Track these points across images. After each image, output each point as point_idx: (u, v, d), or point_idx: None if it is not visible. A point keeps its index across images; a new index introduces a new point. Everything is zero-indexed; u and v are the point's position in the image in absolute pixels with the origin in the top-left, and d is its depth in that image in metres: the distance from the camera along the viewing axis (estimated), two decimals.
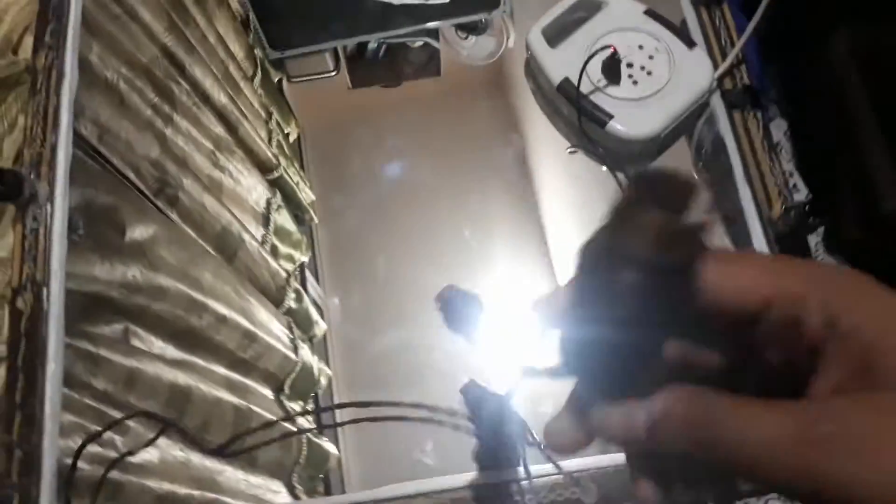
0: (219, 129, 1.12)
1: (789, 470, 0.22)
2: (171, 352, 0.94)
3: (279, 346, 1.17)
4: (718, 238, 0.75)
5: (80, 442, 0.72)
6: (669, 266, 0.25)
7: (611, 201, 0.26)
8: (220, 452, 0.62)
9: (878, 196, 0.65)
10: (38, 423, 0.64)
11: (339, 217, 1.42)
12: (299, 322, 1.30)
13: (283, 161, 1.31)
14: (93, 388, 0.76)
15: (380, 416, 0.61)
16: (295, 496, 1.15)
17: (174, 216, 0.97)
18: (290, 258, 1.35)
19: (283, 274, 1.25)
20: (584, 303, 0.27)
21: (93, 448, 0.74)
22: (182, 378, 0.90)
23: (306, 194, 1.43)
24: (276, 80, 1.39)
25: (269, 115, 1.34)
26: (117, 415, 0.79)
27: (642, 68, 0.79)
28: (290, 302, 1.27)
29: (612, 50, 0.76)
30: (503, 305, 1.02)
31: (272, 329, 1.17)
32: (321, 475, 1.27)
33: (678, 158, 0.82)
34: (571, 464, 0.64)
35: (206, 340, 1.00)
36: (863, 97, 0.67)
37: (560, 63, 0.80)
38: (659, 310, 0.25)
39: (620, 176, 0.78)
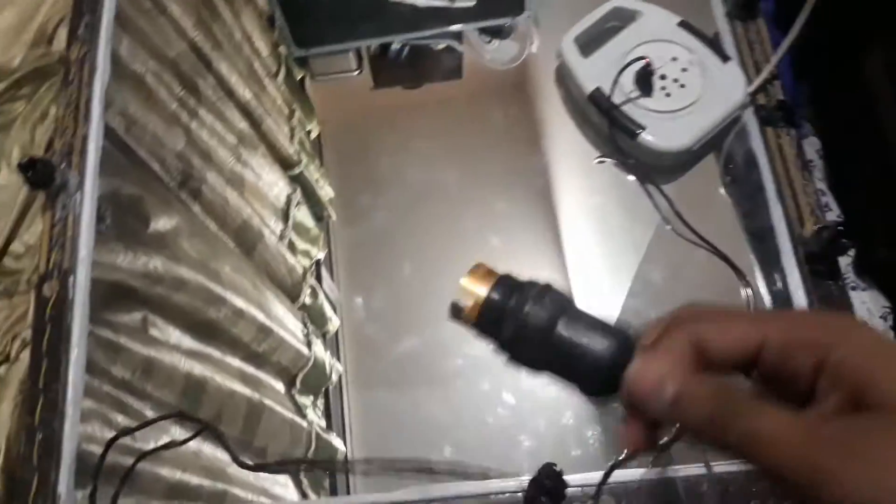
0: (242, 125, 1.12)
1: (795, 462, 0.25)
2: (188, 342, 0.94)
3: (293, 340, 1.17)
4: (745, 257, 0.74)
5: (97, 427, 0.71)
6: None
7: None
8: (254, 468, 0.62)
9: None
10: (59, 407, 0.64)
11: (357, 215, 1.42)
12: (313, 318, 1.30)
13: (304, 158, 1.31)
14: (111, 376, 0.76)
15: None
16: (302, 491, 1.15)
17: (197, 209, 0.96)
18: (307, 254, 1.34)
19: (300, 270, 1.24)
20: None
21: (109, 434, 0.74)
22: (198, 369, 0.90)
23: (325, 191, 1.42)
24: (298, 77, 1.39)
25: (292, 112, 1.33)
26: (135, 402, 0.79)
27: (675, 81, 0.78)
28: (306, 297, 1.26)
29: (645, 61, 0.75)
30: None
31: (287, 324, 1.17)
32: (328, 471, 1.27)
33: (706, 173, 0.81)
34: (587, 477, 0.64)
35: (222, 333, 1.00)
36: None
37: (592, 72, 0.79)
38: None
39: (651, 188, 0.77)
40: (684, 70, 0.78)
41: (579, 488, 0.63)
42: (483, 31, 1.28)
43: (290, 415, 1.12)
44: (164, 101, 0.88)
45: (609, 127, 0.77)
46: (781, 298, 0.68)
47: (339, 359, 1.43)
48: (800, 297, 0.66)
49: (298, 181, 1.32)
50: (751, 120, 0.73)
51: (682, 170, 0.81)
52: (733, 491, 0.60)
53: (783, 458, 0.25)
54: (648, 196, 0.78)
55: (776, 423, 0.26)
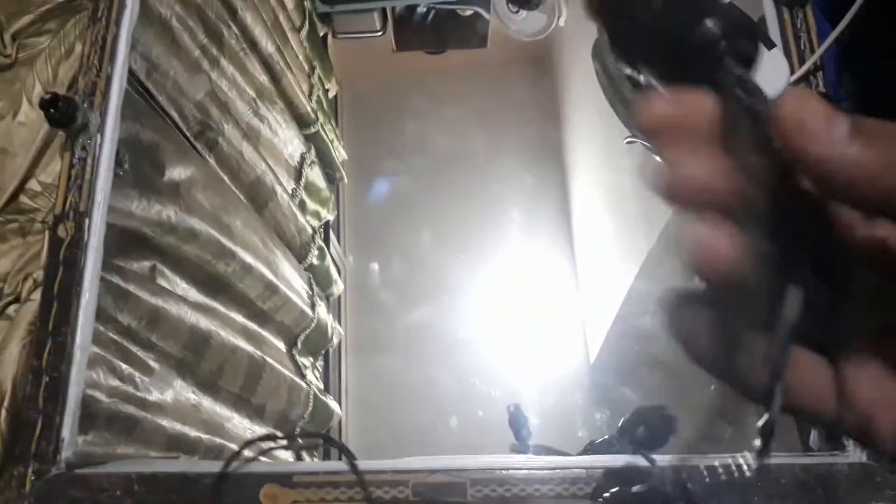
0: (263, 78, 1.10)
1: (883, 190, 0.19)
2: (195, 295, 0.94)
3: (298, 300, 1.17)
4: None
5: (101, 374, 0.71)
6: None
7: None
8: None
9: None
10: (67, 351, 0.63)
11: (370, 179, 1.41)
12: (319, 279, 1.29)
13: (321, 117, 1.29)
14: (118, 323, 0.76)
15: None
16: (298, 456, 1.15)
17: (211, 160, 0.95)
18: (317, 215, 1.34)
19: (309, 230, 1.24)
20: None
21: (113, 382, 0.74)
22: (203, 322, 0.90)
23: (339, 153, 1.41)
24: (321, 34, 1.36)
25: (313, 69, 1.32)
26: (139, 351, 0.79)
27: None
28: (313, 258, 1.26)
29: None
30: (528, 294, 1.01)
31: (293, 283, 1.17)
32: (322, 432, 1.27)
33: None
34: (591, 459, 0.63)
35: (229, 287, 0.99)
36: None
37: None
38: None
39: None
40: None
41: (583, 470, 0.63)
42: (511, 0, 1.26)
43: (289, 374, 1.12)
44: (187, 48, 0.86)
45: None
46: None
47: (340, 323, 1.43)
48: None
49: (314, 140, 1.31)
50: None
51: None
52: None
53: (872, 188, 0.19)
54: None
55: (868, 149, 0.19)
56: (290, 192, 1.20)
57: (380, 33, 1.35)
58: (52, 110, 0.59)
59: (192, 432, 0.87)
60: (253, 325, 1.09)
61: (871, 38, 0.68)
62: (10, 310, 0.65)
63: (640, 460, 0.62)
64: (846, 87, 0.72)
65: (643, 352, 0.80)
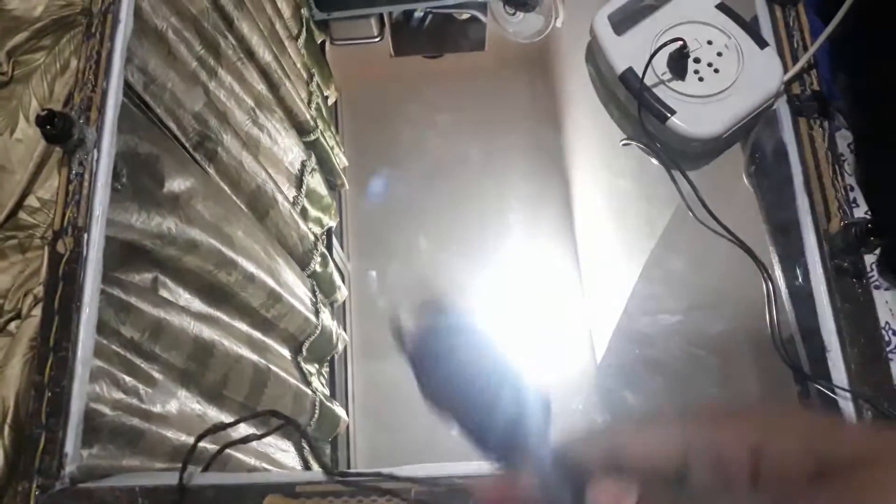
0: (261, 87, 1.11)
1: None
2: (198, 305, 0.94)
3: (301, 308, 1.17)
4: (765, 250, 0.73)
5: (105, 387, 0.72)
6: None
7: None
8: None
9: None
10: (69, 366, 0.64)
11: (370, 185, 1.41)
12: (322, 286, 1.30)
13: (320, 124, 1.30)
14: (121, 336, 0.76)
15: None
16: (303, 459, 1.16)
17: (211, 171, 0.96)
18: (319, 222, 1.34)
19: (311, 237, 1.24)
20: None
21: (116, 395, 0.74)
22: (206, 332, 0.90)
23: (340, 159, 1.41)
24: (319, 41, 1.37)
25: (311, 76, 1.32)
26: (142, 364, 0.80)
27: (709, 65, 0.76)
28: (316, 265, 1.26)
29: (680, 43, 0.74)
30: (529, 297, 1.01)
31: (296, 291, 1.17)
32: (330, 440, 1.27)
33: (730, 162, 0.80)
34: None
35: (232, 297, 1.00)
36: None
37: (625, 51, 0.78)
38: None
39: (675, 174, 0.76)
40: (719, 54, 0.76)
41: None
42: (508, 3, 1.26)
43: (295, 382, 1.12)
44: (183, 59, 0.87)
45: (638, 109, 0.76)
46: (803, 294, 0.68)
47: (345, 329, 1.43)
48: (822, 294, 0.65)
49: (314, 148, 1.31)
50: (784, 109, 0.72)
51: (708, 158, 0.80)
52: None
53: None
54: (673, 181, 0.76)
55: None
56: (291, 199, 1.20)
57: (377, 39, 1.35)
58: (48, 127, 0.59)
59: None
60: (257, 334, 1.09)
61: (865, 35, 0.68)
62: (12, 326, 0.66)
63: None
64: (840, 85, 0.72)
65: (643, 354, 0.80)
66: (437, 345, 0.33)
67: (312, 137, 1.29)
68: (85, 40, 0.66)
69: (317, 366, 1.27)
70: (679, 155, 0.78)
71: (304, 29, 1.29)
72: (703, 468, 0.27)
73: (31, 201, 0.68)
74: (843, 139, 0.69)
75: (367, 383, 1.23)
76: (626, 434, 0.29)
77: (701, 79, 0.75)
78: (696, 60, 0.76)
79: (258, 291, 1.03)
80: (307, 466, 1.14)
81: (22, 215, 0.68)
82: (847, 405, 0.61)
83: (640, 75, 0.75)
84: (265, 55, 1.10)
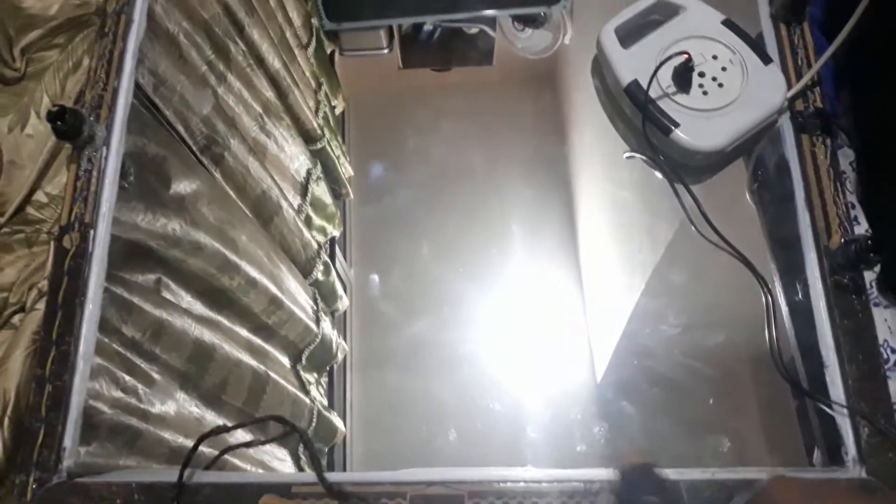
0: (269, 94, 1.12)
1: None
2: (199, 308, 0.95)
3: (303, 315, 1.18)
4: (766, 264, 0.74)
5: (104, 385, 0.72)
6: None
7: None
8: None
9: None
10: (70, 361, 0.65)
11: (375, 194, 1.42)
12: (324, 295, 1.30)
13: (327, 133, 1.31)
14: (122, 335, 0.77)
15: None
16: (299, 467, 1.16)
17: (217, 175, 0.97)
18: (323, 230, 1.35)
19: (315, 245, 1.25)
20: None
21: (115, 393, 0.75)
22: (207, 335, 0.91)
23: (345, 169, 1.43)
24: (328, 51, 1.39)
25: (319, 85, 1.34)
26: (142, 363, 0.80)
27: (714, 79, 0.77)
28: (318, 274, 1.27)
29: (685, 57, 0.75)
30: (531, 307, 1.01)
31: (298, 298, 1.18)
32: (326, 449, 1.28)
33: (733, 177, 0.81)
34: (590, 473, 0.64)
35: (234, 301, 1.00)
36: None
37: (630, 64, 0.79)
38: None
39: (678, 187, 0.77)
40: (724, 69, 0.78)
41: (581, 483, 0.63)
42: (517, 18, 1.28)
43: (293, 390, 1.13)
44: (194, 63, 0.88)
45: (642, 121, 0.77)
46: (802, 309, 0.68)
47: (345, 339, 1.43)
48: (821, 310, 0.66)
49: (320, 156, 1.33)
50: (787, 125, 0.73)
51: (711, 172, 0.81)
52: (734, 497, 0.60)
53: None
54: (675, 195, 0.77)
55: None
56: (295, 207, 1.21)
57: (386, 51, 1.37)
58: (59, 123, 0.61)
59: None
60: (257, 340, 1.09)
61: (868, 53, 0.69)
62: (15, 319, 0.67)
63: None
64: (843, 103, 0.73)
65: (642, 366, 0.80)
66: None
67: (319, 146, 1.30)
68: (98, 39, 0.68)
69: (316, 375, 1.28)
70: (682, 168, 0.79)
71: (314, 38, 1.31)
72: None
73: (40, 196, 0.69)
74: (845, 157, 0.70)
75: (366, 393, 1.24)
76: None
77: (705, 93, 0.77)
78: (701, 74, 0.78)
79: (260, 297, 1.04)
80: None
81: (30, 210, 0.69)
82: (844, 422, 0.62)
83: (645, 88, 0.76)
84: (274, 62, 1.11)
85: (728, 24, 0.79)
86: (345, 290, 1.39)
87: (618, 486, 0.58)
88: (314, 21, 1.30)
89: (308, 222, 1.28)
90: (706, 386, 0.77)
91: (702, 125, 0.76)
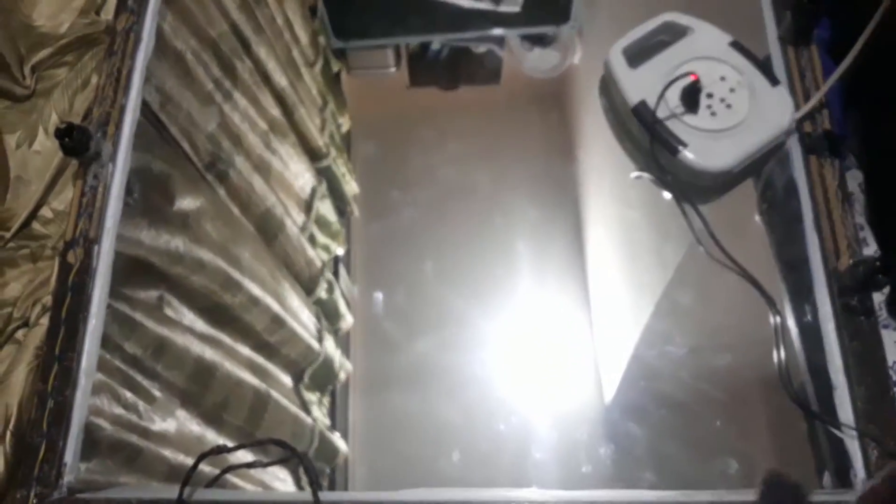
0: (275, 112, 1.14)
1: None
2: (201, 326, 0.96)
3: (305, 334, 1.18)
4: (775, 286, 0.75)
5: (106, 401, 0.73)
6: None
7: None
8: None
9: None
10: (73, 376, 0.66)
11: (380, 213, 1.43)
12: (327, 313, 1.31)
13: (333, 151, 1.33)
14: (123, 351, 0.78)
15: None
16: (300, 487, 1.16)
17: (222, 192, 0.98)
18: (327, 248, 1.36)
19: (319, 263, 1.26)
20: None
21: (116, 410, 0.76)
22: (209, 353, 0.92)
23: (350, 187, 1.44)
24: (335, 69, 1.41)
25: (325, 103, 1.36)
26: (144, 381, 0.81)
27: (722, 100, 0.79)
28: (322, 292, 1.28)
29: (693, 78, 0.76)
30: (537, 327, 1.02)
31: (301, 317, 1.18)
32: (329, 469, 1.28)
33: (742, 198, 0.82)
34: (595, 494, 0.64)
35: (236, 319, 1.01)
36: None
37: (638, 84, 0.81)
38: None
39: (686, 208, 0.78)
40: (732, 90, 0.79)
41: None
42: (525, 37, 1.30)
43: (294, 409, 1.13)
44: (200, 81, 0.90)
45: (650, 141, 0.78)
46: (811, 331, 0.69)
47: (349, 358, 1.44)
48: (830, 331, 0.66)
49: (325, 174, 1.34)
50: (795, 147, 0.74)
51: (719, 192, 0.82)
52: None
53: None
54: (684, 215, 0.78)
55: None
56: (300, 225, 1.23)
57: (393, 69, 1.39)
58: (66, 139, 0.62)
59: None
60: (259, 358, 1.10)
61: (876, 74, 0.70)
62: (19, 334, 0.68)
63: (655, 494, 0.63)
64: (851, 124, 0.74)
65: (650, 387, 0.81)
66: None
67: (324, 164, 1.32)
68: (107, 57, 0.70)
69: (318, 394, 1.28)
70: (691, 189, 0.80)
71: (321, 56, 1.33)
72: None
73: (45, 212, 0.71)
74: (854, 178, 0.71)
75: (369, 413, 1.24)
76: None
77: (713, 114, 0.78)
78: (709, 95, 0.79)
79: (262, 315, 1.05)
80: None
81: (35, 225, 0.71)
82: (853, 444, 0.62)
83: (653, 108, 0.77)
84: (281, 80, 1.13)
85: (736, 45, 0.81)
86: (349, 309, 1.40)
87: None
88: (321, 39, 1.32)
89: (312, 240, 1.29)
90: (714, 407, 0.77)
91: (710, 145, 0.77)
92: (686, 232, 0.81)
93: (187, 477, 0.63)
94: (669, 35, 0.85)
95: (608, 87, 0.86)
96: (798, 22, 0.76)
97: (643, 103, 0.79)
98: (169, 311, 0.89)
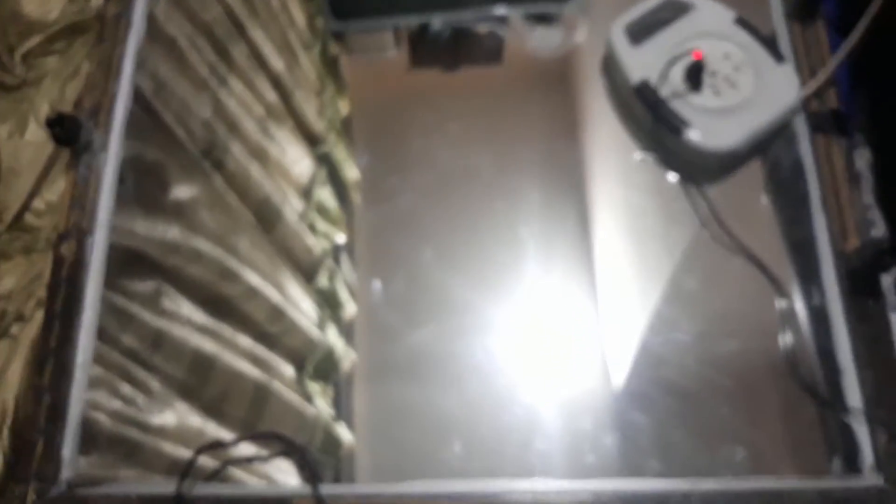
0: (272, 97, 1.14)
1: None
2: (200, 317, 0.96)
3: (306, 323, 1.19)
4: (784, 269, 0.75)
5: (103, 395, 0.74)
6: None
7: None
8: None
9: None
10: (69, 371, 0.67)
11: (382, 198, 1.44)
12: (329, 302, 1.32)
13: (332, 136, 1.33)
14: (121, 344, 0.79)
15: None
16: (304, 479, 1.17)
17: (218, 180, 0.99)
18: (328, 236, 1.36)
19: (319, 251, 1.26)
20: None
21: (115, 404, 0.76)
22: (208, 345, 0.93)
23: (351, 173, 1.44)
24: (334, 52, 1.41)
25: (324, 87, 1.36)
26: (141, 373, 0.82)
27: (726, 78, 0.78)
28: (323, 280, 1.28)
29: (697, 55, 0.76)
30: (542, 314, 1.02)
31: (301, 306, 1.19)
32: (333, 461, 1.29)
33: (749, 179, 0.82)
34: (600, 484, 0.65)
35: (235, 309, 1.02)
36: None
37: (640, 63, 0.80)
38: None
39: (691, 189, 0.78)
40: (736, 68, 0.79)
41: (591, 494, 0.64)
42: (528, 16, 1.29)
43: (297, 400, 1.14)
44: (194, 67, 0.90)
45: (653, 122, 0.78)
46: (819, 314, 0.69)
47: (353, 346, 1.44)
48: (837, 314, 0.66)
49: (324, 160, 1.34)
50: (801, 126, 0.74)
51: (726, 173, 0.82)
52: None
53: None
54: (688, 197, 0.79)
55: None
56: (299, 212, 1.23)
57: (393, 52, 1.39)
58: (56, 129, 0.63)
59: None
60: (260, 349, 1.11)
61: (885, 52, 0.70)
62: (14, 328, 0.69)
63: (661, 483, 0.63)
64: (859, 103, 0.74)
65: (657, 375, 0.81)
66: None
67: (323, 150, 1.32)
68: (97, 44, 0.70)
69: (322, 384, 1.29)
70: (696, 170, 0.80)
71: (320, 39, 1.33)
72: None
73: (38, 204, 0.71)
74: (862, 158, 0.71)
75: (375, 403, 1.25)
76: None
77: (717, 92, 0.78)
78: (713, 73, 0.79)
79: (262, 305, 1.06)
80: None
81: (29, 217, 0.71)
82: (861, 429, 0.63)
83: (656, 87, 0.77)
84: (277, 64, 1.13)
85: (740, 22, 0.80)
86: (351, 297, 1.41)
87: None
88: (318, 22, 1.32)
89: (312, 227, 1.29)
90: (722, 394, 0.77)
91: (714, 125, 0.77)
92: (692, 215, 0.82)
93: (185, 471, 0.64)
94: (672, 12, 0.84)
95: (610, 66, 0.86)
96: None
97: (645, 82, 0.79)
98: (166, 303, 0.90)
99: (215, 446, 0.71)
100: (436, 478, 0.71)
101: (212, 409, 0.95)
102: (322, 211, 1.34)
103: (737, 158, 0.80)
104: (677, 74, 0.79)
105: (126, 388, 0.78)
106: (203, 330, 0.94)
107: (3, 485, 0.63)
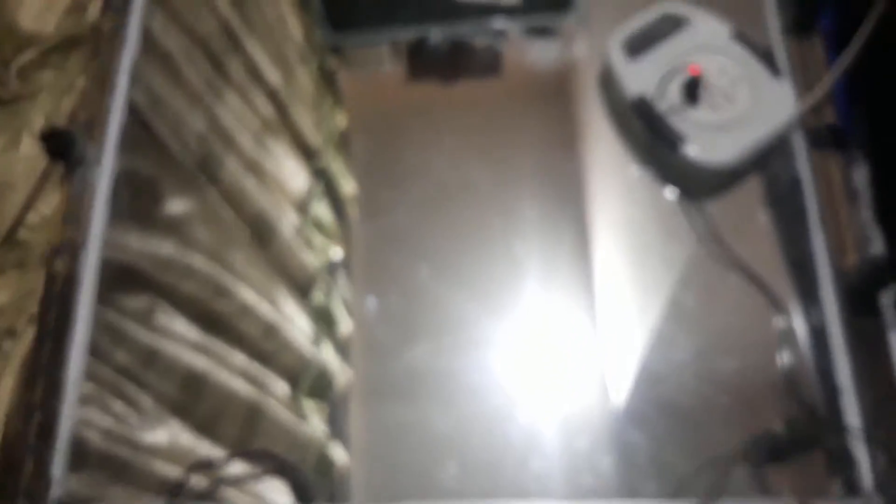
0: (268, 110, 1.15)
1: None
2: (193, 334, 0.97)
3: (302, 340, 1.19)
4: (782, 285, 0.76)
5: (95, 412, 0.75)
6: None
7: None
8: None
9: None
10: (60, 388, 0.67)
11: (378, 213, 1.44)
12: (325, 318, 1.32)
13: (328, 150, 1.34)
14: (113, 361, 0.79)
15: None
16: (297, 498, 1.17)
17: (213, 195, 0.99)
18: (324, 251, 1.37)
19: (315, 267, 1.27)
20: None
21: (106, 422, 0.77)
22: (201, 363, 0.93)
23: (348, 187, 1.45)
24: (331, 66, 1.42)
25: (321, 101, 1.37)
26: (133, 390, 0.83)
27: (723, 93, 0.80)
28: (319, 296, 1.29)
29: (693, 70, 0.77)
30: (539, 331, 1.03)
31: (297, 322, 1.19)
32: (327, 480, 1.28)
33: (748, 195, 0.83)
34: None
35: (229, 326, 1.02)
36: None
37: (637, 77, 0.82)
38: None
39: (689, 205, 0.79)
40: (733, 83, 0.80)
41: None
42: (527, 29, 1.31)
43: (292, 419, 1.14)
44: (190, 81, 0.91)
45: (650, 136, 0.79)
46: (817, 332, 0.70)
47: (348, 364, 1.45)
48: (835, 333, 0.67)
49: (321, 174, 1.35)
50: (798, 141, 0.75)
51: (723, 189, 0.83)
52: None
53: None
54: (685, 213, 0.80)
55: None
56: (295, 226, 1.24)
57: (391, 65, 1.40)
58: (51, 142, 0.64)
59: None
60: (253, 367, 1.11)
61: (882, 67, 0.71)
62: (6, 345, 0.69)
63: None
64: (857, 117, 0.75)
65: (656, 393, 0.82)
66: None
67: (320, 164, 1.33)
68: (92, 58, 0.71)
69: (316, 402, 1.29)
70: (693, 185, 0.81)
71: (316, 54, 1.34)
72: None
73: (33, 218, 0.72)
74: (859, 174, 0.72)
75: (369, 421, 1.25)
76: None
77: (714, 107, 0.79)
78: (710, 88, 0.80)
79: (257, 322, 1.06)
80: None
81: (22, 232, 0.72)
82: (860, 449, 0.63)
83: (653, 101, 0.78)
84: (273, 78, 1.15)
85: (737, 36, 0.82)
86: (347, 314, 1.41)
87: None
88: (316, 36, 1.33)
89: (308, 243, 1.30)
90: (720, 413, 0.78)
91: (711, 140, 0.78)
92: (690, 231, 0.82)
93: (177, 490, 0.65)
94: (669, 26, 0.86)
95: (607, 81, 0.87)
96: (801, 11, 0.77)
97: (642, 96, 0.80)
98: (159, 319, 0.90)
99: (207, 465, 0.71)
100: (432, 498, 0.71)
101: (204, 428, 0.95)
102: (318, 226, 1.35)
103: (734, 173, 0.81)
104: (674, 89, 0.80)
105: (118, 406, 0.79)
106: (196, 347, 0.94)
107: None
